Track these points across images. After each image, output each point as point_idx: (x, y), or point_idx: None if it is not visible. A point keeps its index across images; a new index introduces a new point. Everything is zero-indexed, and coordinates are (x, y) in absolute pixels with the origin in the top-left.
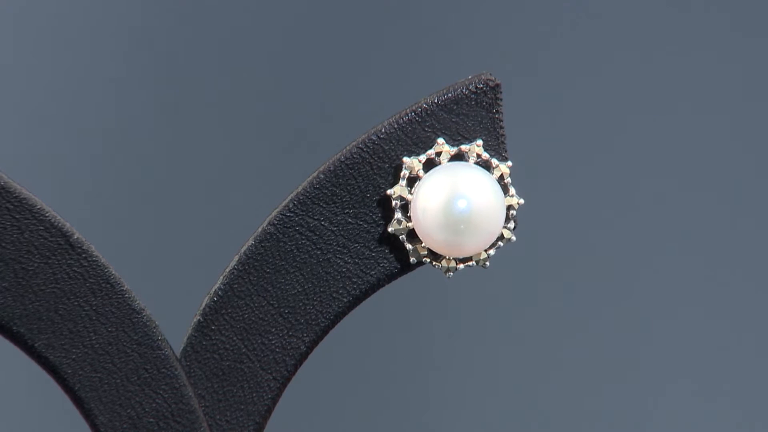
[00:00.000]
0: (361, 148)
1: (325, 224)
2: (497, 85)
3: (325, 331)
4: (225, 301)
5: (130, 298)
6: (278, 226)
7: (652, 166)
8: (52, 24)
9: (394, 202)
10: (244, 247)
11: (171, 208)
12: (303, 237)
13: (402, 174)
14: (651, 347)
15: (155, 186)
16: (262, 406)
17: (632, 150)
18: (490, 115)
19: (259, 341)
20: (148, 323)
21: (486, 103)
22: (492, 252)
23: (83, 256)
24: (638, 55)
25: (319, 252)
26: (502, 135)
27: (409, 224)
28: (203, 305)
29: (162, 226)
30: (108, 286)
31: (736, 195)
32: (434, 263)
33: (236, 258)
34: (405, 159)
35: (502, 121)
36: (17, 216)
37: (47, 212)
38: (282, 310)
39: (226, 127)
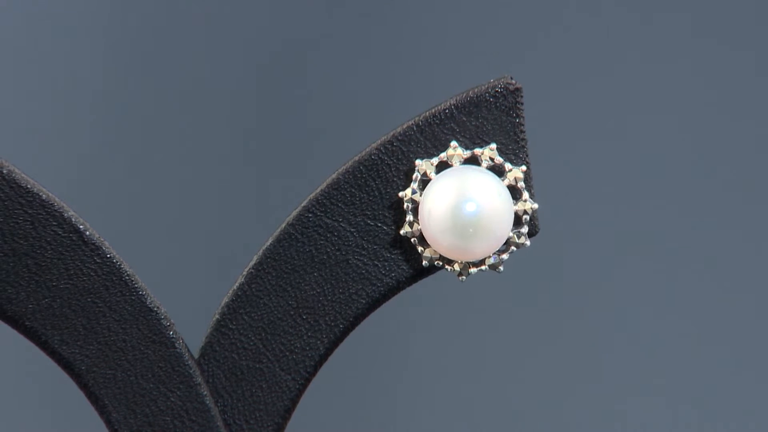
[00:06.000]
0: (380, 150)
1: (344, 225)
2: (518, 89)
3: (344, 333)
4: (244, 301)
5: (143, 295)
6: (297, 226)
7: (647, 169)
8: (48, 26)
9: (405, 205)
10: (264, 247)
11: (191, 207)
12: (321, 237)
13: (414, 176)
14: (643, 350)
15: (176, 185)
16: (281, 406)
17: (627, 151)
18: (510, 118)
19: (277, 341)
20: (161, 320)
21: (505, 106)
22: (506, 257)
23: (96, 252)
24: (636, 58)
25: (337, 253)
26: (523, 139)
27: (420, 227)
28: (222, 304)
29: (182, 226)
30: (121, 282)
31: (738, 197)
32: (447, 267)
33: (255, 258)
34: (417, 161)
35: (523, 125)
36: (30, 211)
37: (60, 207)
38: (301, 310)
39: (246, 127)
